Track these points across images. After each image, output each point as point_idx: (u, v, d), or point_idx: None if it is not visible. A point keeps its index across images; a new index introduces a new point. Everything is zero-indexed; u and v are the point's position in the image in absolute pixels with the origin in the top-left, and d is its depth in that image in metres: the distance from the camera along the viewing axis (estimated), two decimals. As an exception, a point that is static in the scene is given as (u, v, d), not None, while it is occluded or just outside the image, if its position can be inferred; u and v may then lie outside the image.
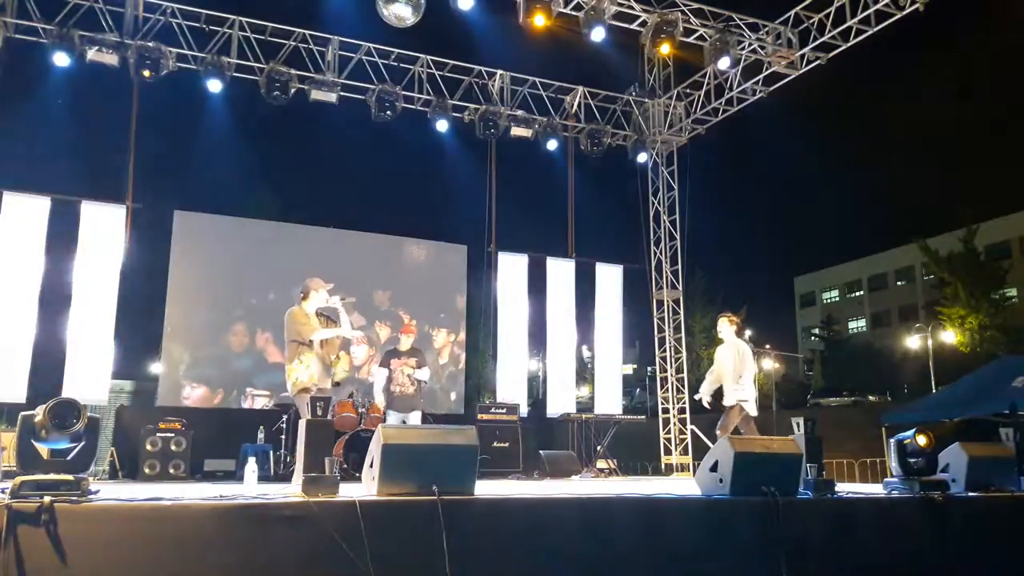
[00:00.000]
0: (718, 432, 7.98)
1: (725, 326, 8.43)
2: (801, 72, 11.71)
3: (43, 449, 3.63)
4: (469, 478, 4.30)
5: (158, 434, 9.52)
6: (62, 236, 10.39)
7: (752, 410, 8.11)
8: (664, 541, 4.42)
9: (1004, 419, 9.10)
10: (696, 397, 8.76)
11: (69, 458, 3.68)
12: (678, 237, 13.62)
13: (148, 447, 9.44)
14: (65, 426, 3.59)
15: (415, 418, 8.28)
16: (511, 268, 12.94)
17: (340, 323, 6.75)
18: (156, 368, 12.43)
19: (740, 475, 4.76)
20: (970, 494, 5.53)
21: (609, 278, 13.63)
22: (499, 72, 12.45)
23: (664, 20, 10.41)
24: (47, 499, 3.33)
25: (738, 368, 8.15)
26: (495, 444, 10.35)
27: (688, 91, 13.38)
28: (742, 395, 8.08)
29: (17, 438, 3.66)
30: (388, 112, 11.57)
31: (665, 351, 13.68)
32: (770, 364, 32.98)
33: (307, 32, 11.31)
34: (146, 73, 10.27)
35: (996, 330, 27.41)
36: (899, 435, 5.67)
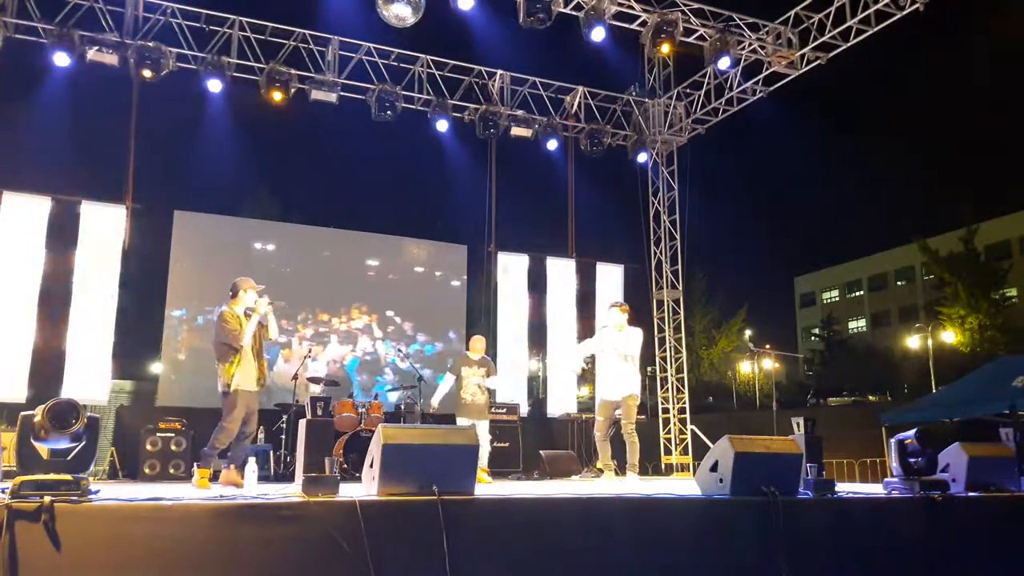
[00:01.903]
0: (626, 422, 7.91)
1: (620, 314, 8.14)
2: (801, 72, 11.71)
3: (43, 449, 3.63)
4: (469, 478, 4.29)
5: (158, 434, 9.53)
6: (62, 236, 10.39)
7: None
8: (664, 541, 4.42)
9: (1004, 419, 9.10)
10: (575, 363, 8.79)
11: (69, 458, 3.68)
12: (678, 237, 13.63)
13: (148, 447, 9.45)
14: (64, 426, 3.60)
15: (484, 427, 8.56)
16: (511, 268, 12.95)
17: (268, 326, 6.71)
18: (156, 368, 12.41)
19: (740, 475, 4.76)
20: (970, 494, 5.53)
21: (609, 278, 13.64)
22: (499, 72, 12.45)
23: (664, 20, 10.41)
24: (47, 499, 3.33)
25: None
26: (495, 444, 10.35)
27: (688, 91, 13.38)
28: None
29: (17, 438, 3.66)
30: (388, 112, 11.58)
31: (665, 351, 13.68)
32: (770, 364, 33.08)
33: (307, 32, 11.31)
34: (146, 73, 10.27)
35: (996, 330, 27.46)
36: (899, 435, 5.67)
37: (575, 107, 13.08)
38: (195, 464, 6.41)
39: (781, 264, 54.96)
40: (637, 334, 8.13)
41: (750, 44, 11.46)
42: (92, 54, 10.08)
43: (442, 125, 12.21)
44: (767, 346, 31.86)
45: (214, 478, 6.46)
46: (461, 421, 8.62)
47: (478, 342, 8.96)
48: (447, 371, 8.96)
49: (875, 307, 49.43)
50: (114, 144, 11.51)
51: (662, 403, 13.70)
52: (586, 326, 13.48)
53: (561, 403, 12.84)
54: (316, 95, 11.26)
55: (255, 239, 12.67)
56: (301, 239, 12.96)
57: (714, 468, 4.93)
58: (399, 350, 12.08)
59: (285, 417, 9.40)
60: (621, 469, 8.22)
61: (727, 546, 4.53)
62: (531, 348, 13.25)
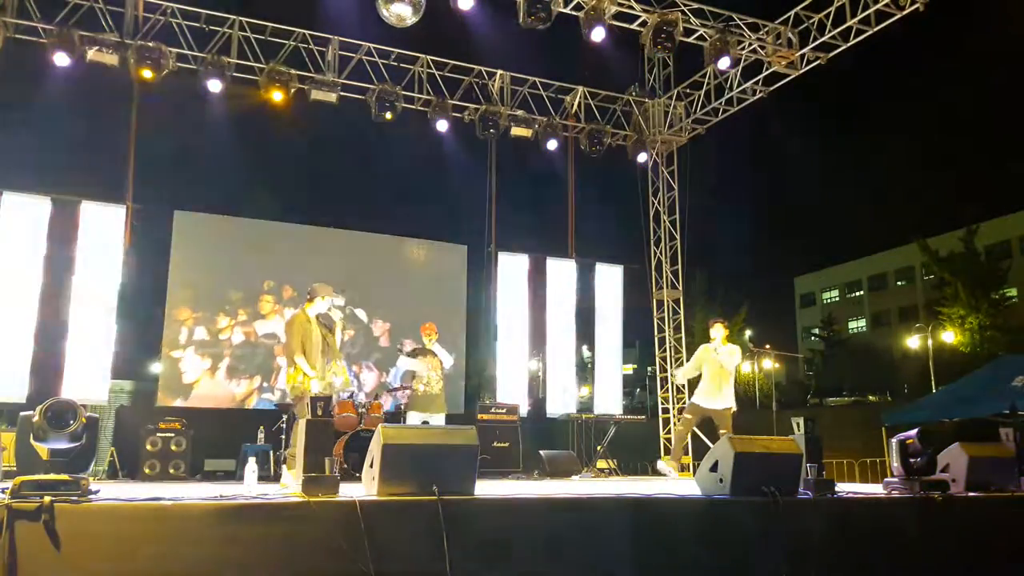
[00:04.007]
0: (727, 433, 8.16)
1: (722, 331, 8.68)
2: (801, 72, 11.71)
3: (43, 449, 3.63)
4: (469, 478, 4.29)
5: (158, 434, 9.53)
6: (62, 236, 10.39)
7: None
8: (664, 541, 4.42)
9: (1004, 419, 9.11)
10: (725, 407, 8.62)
11: (69, 458, 3.68)
12: (678, 237, 13.62)
13: (148, 447, 9.45)
14: (61, 426, 3.60)
15: (439, 420, 8.16)
16: (511, 268, 12.95)
17: (335, 334, 6.86)
18: (156, 368, 12.41)
19: (740, 475, 4.76)
20: (970, 494, 5.53)
21: (609, 278, 13.63)
22: (499, 72, 12.45)
23: (664, 20, 10.40)
24: (47, 499, 3.33)
25: None
26: (495, 444, 10.35)
27: (688, 91, 13.37)
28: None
29: (17, 438, 3.67)
30: (388, 112, 11.57)
31: (665, 351, 13.68)
32: (770, 364, 33.07)
33: (307, 32, 11.30)
34: (146, 73, 10.27)
35: (996, 330, 27.42)
36: (899, 435, 5.67)
37: (575, 107, 13.08)
38: (284, 467, 6.44)
39: (781, 264, 55.01)
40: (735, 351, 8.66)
41: (750, 44, 11.46)
42: (92, 54, 10.07)
43: (442, 125, 12.20)
44: (767, 346, 31.84)
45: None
46: (412, 417, 8.16)
47: (429, 329, 8.48)
48: (405, 355, 8.45)
49: (875, 307, 49.40)
50: (114, 144, 11.51)
51: (662, 403, 13.70)
52: (585, 326, 13.49)
53: (561, 403, 12.84)
54: (316, 95, 11.25)
55: (255, 239, 12.66)
56: (301, 239, 12.95)
57: (714, 468, 4.94)
58: (398, 349, 12.05)
59: (285, 417, 9.40)
60: (622, 469, 8.34)
61: (727, 546, 4.53)
62: (531, 348, 13.25)
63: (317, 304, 6.76)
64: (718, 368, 8.42)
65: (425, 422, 8.08)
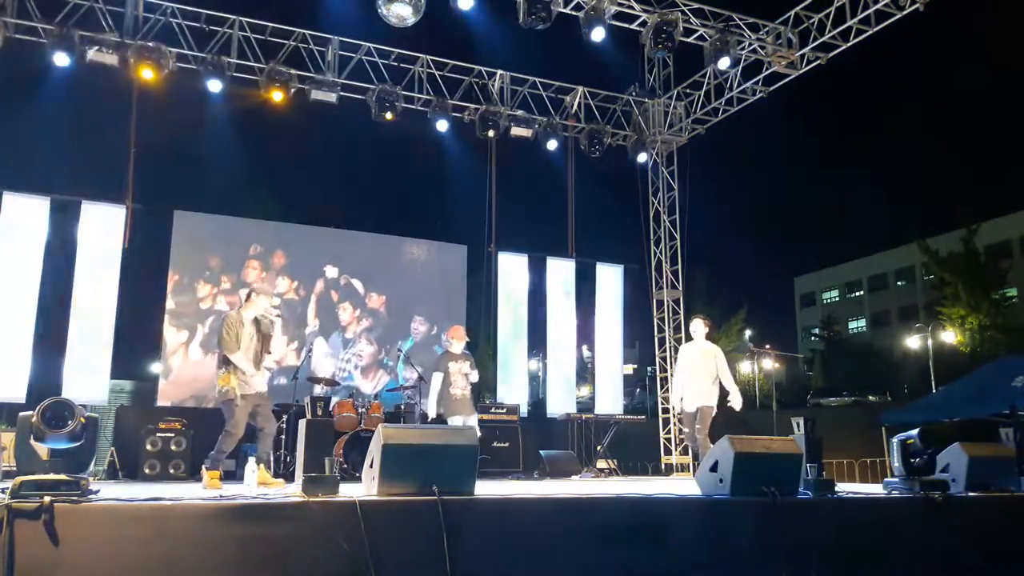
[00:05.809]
0: (702, 437, 8.05)
1: (701, 327, 8.58)
2: (801, 72, 11.71)
3: (42, 449, 3.63)
4: (469, 478, 4.29)
5: (158, 434, 9.52)
6: (62, 236, 10.40)
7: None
8: (664, 541, 4.42)
9: (1004, 419, 9.10)
10: (678, 403, 8.65)
11: (68, 458, 3.68)
12: (678, 237, 13.62)
13: (148, 447, 9.45)
14: (59, 426, 3.60)
15: (474, 421, 8.21)
16: (511, 268, 12.94)
17: (271, 338, 6.89)
18: (156, 368, 12.42)
19: (740, 475, 4.76)
20: (970, 494, 5.53)
21: (609, 278, 13.63)
22: (499, 72, 12.45)
23: (664, 20, 10.40)
24: (47, 499, 3.33)
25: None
26: (495, 444, 10.35)
27: (688, 91, 13.38)
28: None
29: (16, 438, 3.67)
30: (388, 112, 11.57)
31: (665, 351, 13.68)
32: (770, 364, 33.05)
33: (307, 32, 11.31)
34: (146, 73, 10.27)
35: (996, 330, 27.41)
36: (900, 435, 5.66)
37: (575, 107, 13.08)
38: (203, 467, 6.47)
39: (781, 264, 55.11)
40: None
41: (750, 44, 11.46)
42: (92, 54, 10.07)
43: (442, 125, 12.20)
44: (767, 346, 31.81)
45: (224, 478, 6.55)
46: (453, 420, 8.14)
47: (460, 333, 8.44)
48: (434, 371, 8.41)
49: (875, 307, 49.43)
50: (114, 144, 11.53)
51: (662, 403, 13.70)
52: (585, 326, 13.49)
53: (561, 403, 12.84)
54: (316, 95, 11.25)
55: (255, 239, 12.66)
56: (301, 239, 12.95)
57: (714, 468, 4.93)
58: (399, 350, 12.09)
59: (285, 417, 9.39)
60: (623, 469, 8.29)
61: (727, 546, 4.53)
62: (531, 348, 13.26)
63: (254, 304, 6.74)
64: (691, 367, 8.42)
65: (464, 424, 8.06)
